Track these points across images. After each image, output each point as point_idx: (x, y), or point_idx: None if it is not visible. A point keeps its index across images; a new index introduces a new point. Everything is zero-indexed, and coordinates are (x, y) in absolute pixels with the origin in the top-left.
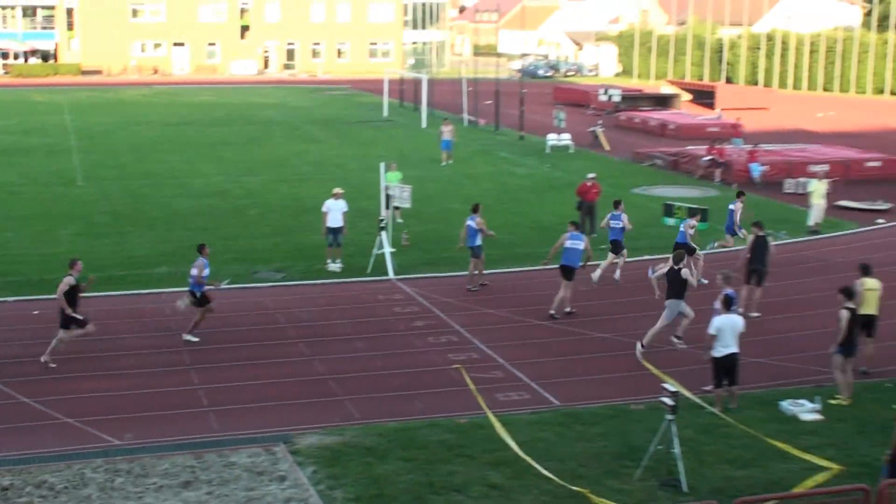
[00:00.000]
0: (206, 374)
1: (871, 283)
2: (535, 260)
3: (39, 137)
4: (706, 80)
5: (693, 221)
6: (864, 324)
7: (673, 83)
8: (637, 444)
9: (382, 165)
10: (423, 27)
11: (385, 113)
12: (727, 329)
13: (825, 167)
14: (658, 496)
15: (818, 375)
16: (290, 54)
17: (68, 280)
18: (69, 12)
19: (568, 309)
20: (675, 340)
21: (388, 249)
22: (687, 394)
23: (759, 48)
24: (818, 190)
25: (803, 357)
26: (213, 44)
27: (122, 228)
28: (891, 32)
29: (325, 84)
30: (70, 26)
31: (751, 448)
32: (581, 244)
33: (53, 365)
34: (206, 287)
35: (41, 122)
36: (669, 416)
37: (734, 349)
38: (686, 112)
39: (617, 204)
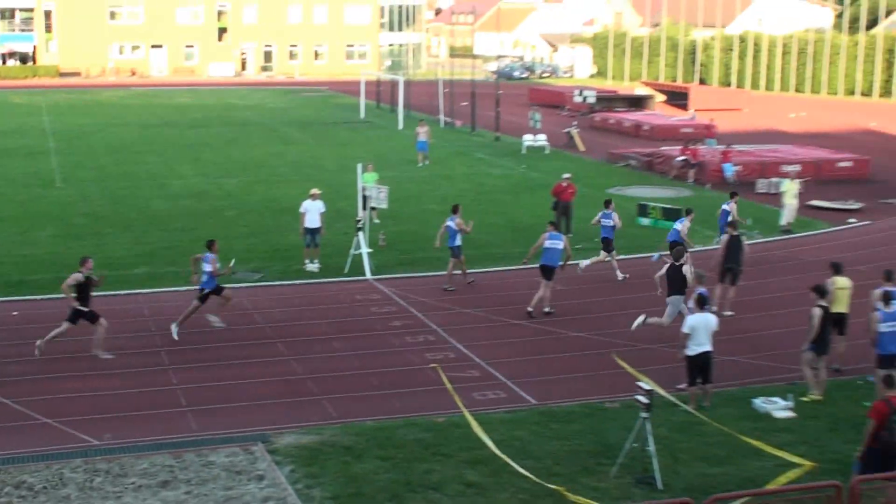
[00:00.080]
0: (184, 375)
1: (842, 282)
2: (512, 260)
3: (18, 139)
4: (680, 82)
5: (687, 220)
6: (835, 322)
7: (647, 84)
8: (612, 441)
9: (359, 166)
10: (400, 29)
11: (362, 114)
12: (701, 328)
13: (797, 167)
14: (633, 493)
15: (791, 373)
16: (268, 56)
17: (76, 276)
18: (47, 14)
19: (547, 309)
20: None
21: (365, 250)
22: (661, 392)
23: (732, 50)
24: (790, 190)
25: (776, 355)
26: (191, 46)
27: (101, 230)
28: (861, 34)
29: (302, 86)
30: (48, 28)
31: (724, 445)
32: (560, 244)
33: (38, 355)
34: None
35: (19, 124)
36: (644, 414)
37: (708, 347)
38: (660, 113)
39: (608, 203)
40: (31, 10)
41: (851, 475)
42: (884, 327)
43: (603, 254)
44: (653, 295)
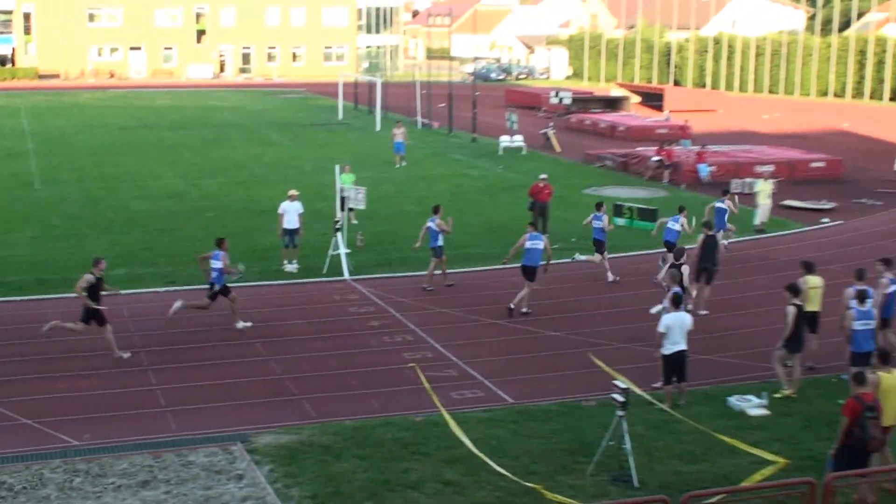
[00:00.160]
0: (163, 375)
1: (814, 281)
2: (489, 260)
3: None
4: (655, 83)
5: (682, 218)
6: (808, 320)
7: (622, 86)
8: (589, 440)
9: (337, 168)
10: (377, 31)
11: (340, 116)
12: (676, 327)
13: (771, 168)
14: (610, 491)
15: (765, 372)
16: (246, 58)
17: (88, 277)
18: (26, 17)
19: (524, 309)
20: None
21: (343, 250)
22: (637, 390)
23: (706, 51)
24: (764, 190)
25: (750, 353)
26: (170, 48)
27: (80, 231)
28: (834, 36)
29: (281, 87)
30: (27, 31)
31: (700, 443)
32: (540, 244)
33: (127, 355)
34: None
35: None
36: (620, 413)
37: (683, 346)
38: (635, 114)
39: (599, 206)
40: (10, 12)
41: (825, 472)
42: (858, 325)
43: (597, 255)
44: (624, 294)
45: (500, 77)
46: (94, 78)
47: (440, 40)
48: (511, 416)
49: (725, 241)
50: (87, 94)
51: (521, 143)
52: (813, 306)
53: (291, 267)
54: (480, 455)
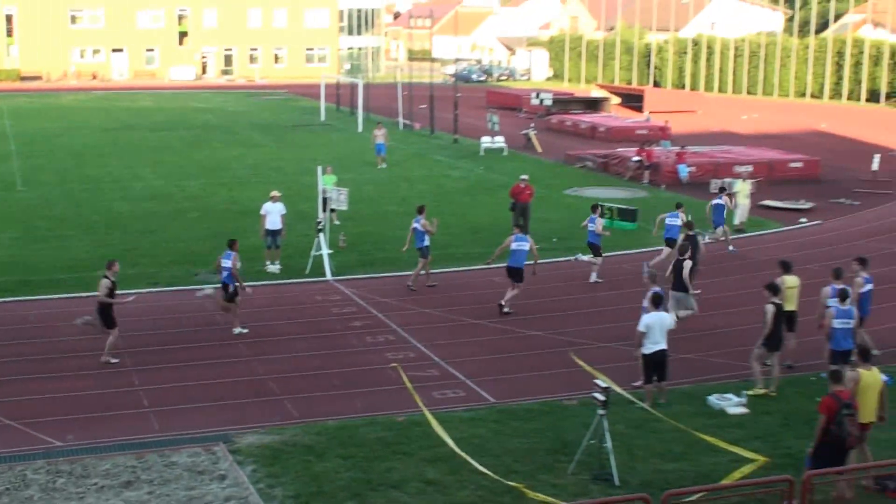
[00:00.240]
0: (146, 376)
1: (791, 281)
2: (471, 260)
3: None
4: (635, 84)
5: (681, 214)
6: (785, 319)
7: (602, 87)
8: (570, 439)
9: (319, 169)
10: (359, 33)
11: (322, 117)
12: (656, 326)
13: (749, 168)
14: (591, 490)
15: (744, 370)
16: (228, 60)
17: (106, 282)
18: (8, 18)
19: (506, 310)
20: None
21: (325, 251)
22: (618, 389)
23: (685, 53)
24: (743, 190)
25: (729, 353)
26: (152, 49)
27: (63, 232)
28: (811, 38)
29: (263, 89)
30: (9, 32)
31: (680, 442)
32: (526, 245)
33: (115, 360)
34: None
35: None
36: (601, 412)
37: (663, 346)
38: (615, 115)
39: (594, 208)
40: None
41: (803, 470)
42: (837, 323)
43: (595, 258)
44: (602, 295)
45: (482, 78)
46: (77, 80)
47: (421, 42)
48: (493, 416)
49: (707, 238)
50: (70, 96)
51: (503, 144)
52: (790, 305)
53: (274, 268)
54: (462, 454)
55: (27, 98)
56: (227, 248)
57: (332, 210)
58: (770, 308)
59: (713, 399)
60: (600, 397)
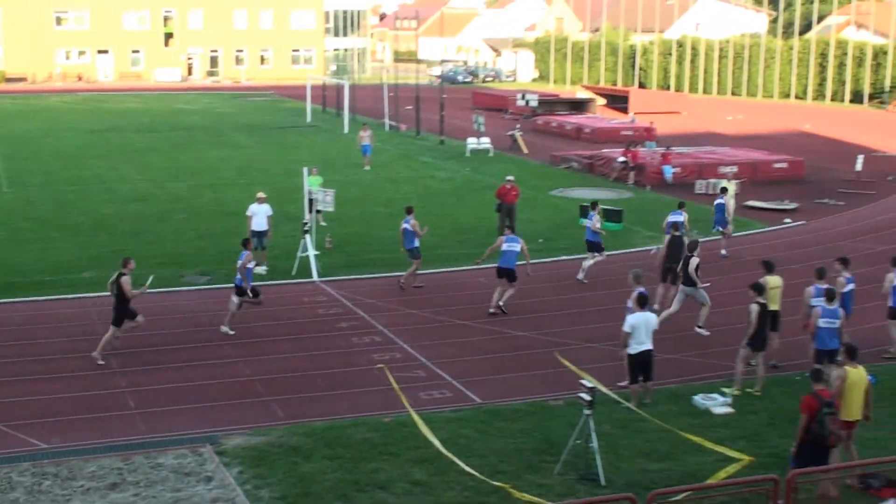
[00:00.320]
0: (132, 377)
1: (774, 281)
2: (457, 261)
3: None
4: (620, 85)
5: (684, 213)
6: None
7: (588, 88)
8: (556, 439)
9: (305, 170)
10: (345, 34)
11: (308, 118)
12: (641, 326)
13: (734, 169)
14: (577, 490)
15: (729, 370)
16: (214, 61)
17: (127, 279)
18: None
19: (492, 310)
20: (699, 330)
21: (312, 252)
22: (604, 389)
23: (670, 54)
24: (728, 191)
25: (714, 352)
26: (137, 51)
27: (48, 234)
28: (795, 39)
29: (249, 90)
30: None
31: (666, 441)
32: (517, 246)
33: (101, 362)
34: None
35: None
36: (587, 412)
37: (648, 346)
38: (601, 116)
39: (594, 205)
40: None
41: (787, 469)
42: (822, 323)
43: (595, 256)
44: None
45: (467, 80)
46: (62, 81)
47: (407, 43)
48: (479, 416)
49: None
50: (55, 98)
51: (489, 145)
52: (773, 305)
53: (260, 269)
54: (449, 455)
55: (12, 100)
56: (241, 248)
57: (319, 211)
58: (754, 308)
59: (698, 399)
60: (586, 397)
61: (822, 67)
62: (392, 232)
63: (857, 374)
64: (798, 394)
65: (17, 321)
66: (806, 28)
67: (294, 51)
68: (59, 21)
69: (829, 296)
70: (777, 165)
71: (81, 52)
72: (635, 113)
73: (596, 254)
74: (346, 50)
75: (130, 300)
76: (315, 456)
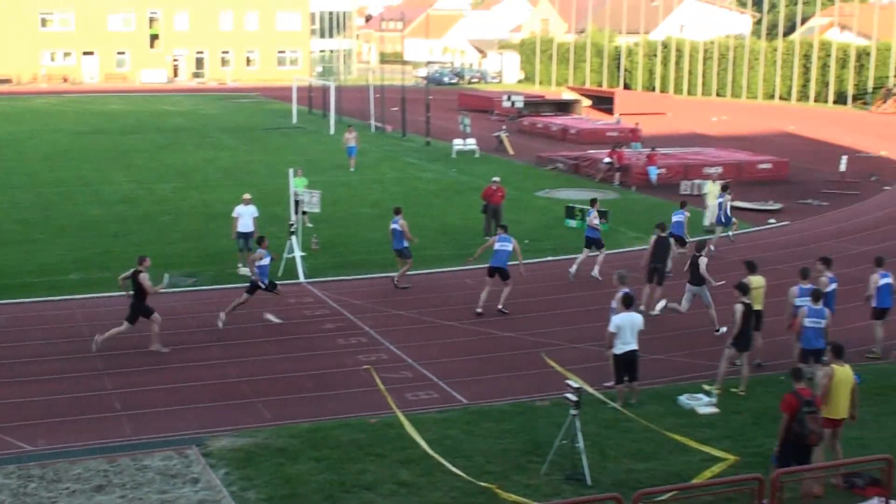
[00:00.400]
0: (118, 379)
1: (757, 281)
2: (443, 262)
3: None
4: (605, 87)
5: (685, 212)
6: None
7: (573, 89)
8: (542, 439)
9: (291, 171)
10: (331, 36)
11: (294, 120)
12: (627, 327)
13: (719, 169)
14: (563, 490)
15: (714, 371)
16: (200, 62)
17: (145, 276)
18: None
19: (479, 310)
20: (721, 331)
21: (298, 253)
22: (589, 390)
23: (655, 55)
24: (712, 191)
25: (699, 353)
26: (123, 52)
27: (33, 236)
28: (779, 40)
29: (235, 92)
30: None
31: (651, 441)
32: (509, 246)
33: (166, 349)
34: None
35: None
36: (573, 412)
37: (634, 346)
38: (586, 117)
39: (592, 203)
40: None
41: (771, 468)
42: (808, 322)
43: (592, 252)
44: (578, 295)
45: (453, 81)
46: (47, 83)
47: (393, 44)
48: (465, 417)
49: (730, 234)
50: (40, 100)
51: (474, 147)
52: (756, 305)
53: (246, 270)
54: (435, 456)
55: None
56: (256, 245)
57: (305, 212)
58: (739, 307)
59: (684, 399)
60: (572, 398)
61: (806, 68)
62: (378, 233)
63: (844, 373)
64: (782, 394)
65: (2, 324)
66: (790, 29)
67: (280, 52)
68: (44, 22)
69: (815, 296)
70: (761, 166)
71: (67, 54)
72: (620, 114)
73: (595, 249)
74: (331, 51)
75: (148, 296)
76: (301, 457)
